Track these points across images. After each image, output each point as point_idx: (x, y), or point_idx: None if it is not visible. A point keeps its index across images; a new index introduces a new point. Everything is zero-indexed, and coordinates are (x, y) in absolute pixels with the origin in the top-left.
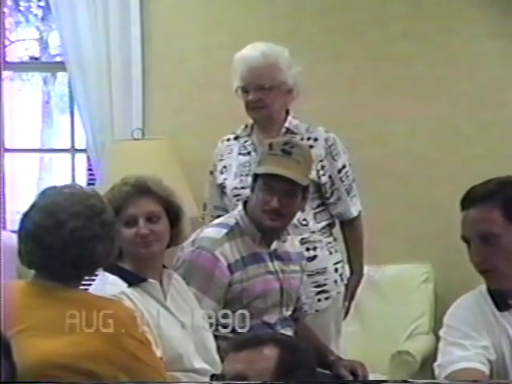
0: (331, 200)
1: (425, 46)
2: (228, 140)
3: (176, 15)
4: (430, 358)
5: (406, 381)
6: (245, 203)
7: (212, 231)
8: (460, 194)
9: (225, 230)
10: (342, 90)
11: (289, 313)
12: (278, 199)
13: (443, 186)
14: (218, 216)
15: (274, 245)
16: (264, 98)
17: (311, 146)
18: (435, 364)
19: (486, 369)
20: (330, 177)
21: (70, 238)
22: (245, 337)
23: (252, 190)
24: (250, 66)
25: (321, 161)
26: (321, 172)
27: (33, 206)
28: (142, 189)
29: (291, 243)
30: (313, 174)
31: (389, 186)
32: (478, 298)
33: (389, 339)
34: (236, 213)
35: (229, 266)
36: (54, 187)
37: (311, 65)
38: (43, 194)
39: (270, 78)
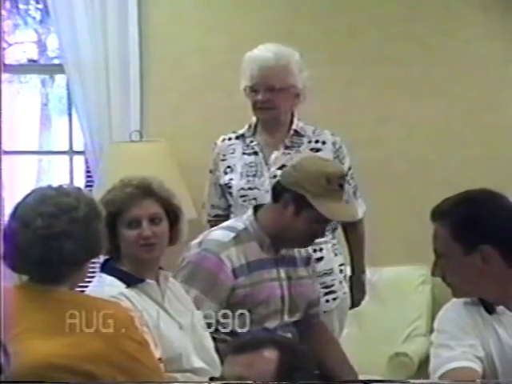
0: None
1: (423, 48)
2: (229, 139)
3: (174, 18)
4: (428, 359)
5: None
6: (255, 208)
7: (219, 234)
8: None
9: (232, 234)
10: (340, 91)
11: (293, 319)
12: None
13: (441, 188)
14: (216, 215)
15: (282, 251)
16: (273, 99)
17: (319, 150)
18: (429, 368)
19: (475, 365)
20: None
21: (33, 238)
22: (244, 339)
23: (282, 205)
24: (261, 66)
25: None
26: None
27: (14, 209)
28: (145, 190)
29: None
30: None
31: (386, 188)
32: (466, 300)
33: (386, 341)
34: (245, 217)
35: (233, 270)
36: (36, 189)
37: (309, 66)
38: (25, 196)
39: (281, 79)
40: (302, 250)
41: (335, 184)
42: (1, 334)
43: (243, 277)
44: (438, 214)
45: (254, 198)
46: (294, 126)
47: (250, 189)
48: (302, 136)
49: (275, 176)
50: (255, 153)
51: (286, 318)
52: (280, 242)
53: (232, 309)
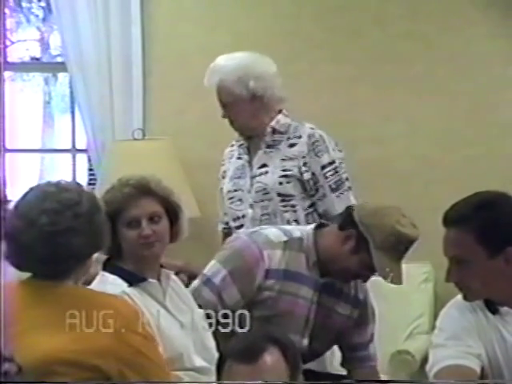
0: (316, 197)
1: (425, 47)
2: (232, 146)
3: (177, 16)
4: None
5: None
6: (318, 226)
7: (273, 232)
8: (460, 195)
9: (285, 238)
10: (342, 90)
11: (314, 347)
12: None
13: (443, 186)
14: (227, 222)
15: (330, 279)
16: (228, 114)
17: (294, 144)
18: (426, 368)
19: (471, 363)
20: (313, 174)
21: (40, 236)
22: (243, 345)
23: (344, 236)
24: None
25: (303, 157)
26: (303, 168)
27: (14, 207)
28: (143, 189)
29: (355, 286)
30: (295, 171)
31: (388, 186)
32: None
33: (389, 339)
34: (307, 229)
35: (267, 270)
36: (35, 186)
37: (311, 65)
38: (24, 194)
39: (225, 95)
40: (358, 290)
41: (403, 246)
42: (1, 333)
43: (274, 280)
44: (457, 219)
45: (239, 200)
46: (272, 123)
47: (235, 190)
48: (282, 133)
49: (254, 176)
50: (243, 155)
51: (306, 342)
52: (325, 266)
53: (252, 308)
